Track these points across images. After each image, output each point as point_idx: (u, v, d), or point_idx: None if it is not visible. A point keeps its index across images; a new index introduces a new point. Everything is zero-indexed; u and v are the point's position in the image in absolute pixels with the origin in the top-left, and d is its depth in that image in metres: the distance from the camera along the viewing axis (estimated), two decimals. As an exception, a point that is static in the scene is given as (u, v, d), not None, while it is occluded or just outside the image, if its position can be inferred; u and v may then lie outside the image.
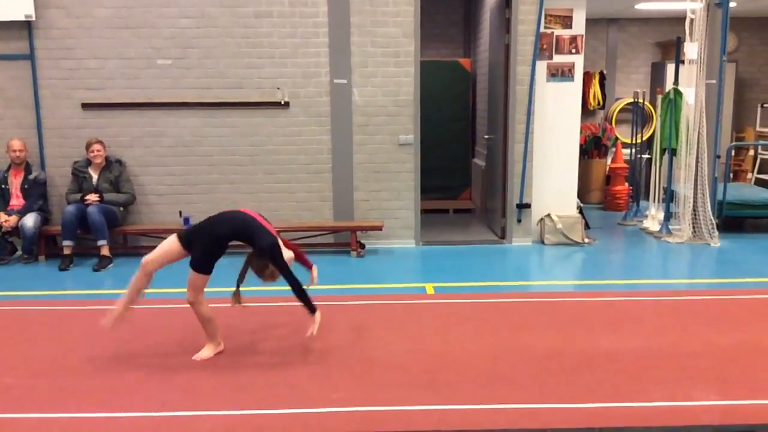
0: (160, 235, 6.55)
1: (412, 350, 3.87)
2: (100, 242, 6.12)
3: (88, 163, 6.38)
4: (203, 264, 3.74)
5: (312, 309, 3.70)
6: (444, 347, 3.93)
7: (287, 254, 3.80)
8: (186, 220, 6.45)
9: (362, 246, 6.62)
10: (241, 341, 4.07)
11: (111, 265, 6.14)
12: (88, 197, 6.23)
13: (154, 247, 6.50)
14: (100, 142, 6.36)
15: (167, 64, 6.50)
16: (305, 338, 3.70)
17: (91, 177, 6.37)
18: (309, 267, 4.11)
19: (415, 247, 6.86)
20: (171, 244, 3.78)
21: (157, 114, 6.57)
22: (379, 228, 6.58)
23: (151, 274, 3.84)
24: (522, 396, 3.26)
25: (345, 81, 6.55)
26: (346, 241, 6.60)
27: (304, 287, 3.67)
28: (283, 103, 6.55)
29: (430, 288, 5.39)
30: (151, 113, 6.57)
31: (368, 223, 6.67)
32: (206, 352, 3.85)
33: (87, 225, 6.14)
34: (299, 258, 4.06)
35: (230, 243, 3.77)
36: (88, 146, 6.31)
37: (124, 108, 6.54)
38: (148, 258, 3.82)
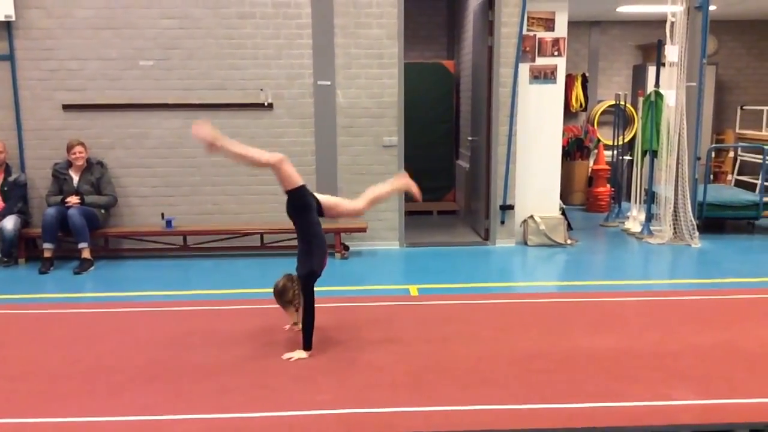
0: (143, 237, 6.53)
1: (396, 352, 3.87)
2: (81, 245, 6.06)
3: (69, 164, 6.32)
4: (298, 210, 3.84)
5: (308, 345, 3.75)
6: (427, 348, 3.93)
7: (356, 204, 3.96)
8: (168, 222, 6.42)
9: (346, 248, 6.62)
10: (224, 344, 4.05)
11: (92, 268, 6.09)
12: (68, 199, 6.18)
13: (136, 250, 6.53)
14: (82, 144, 6.31)
15: (149, 65, 6.46)
16: (286, 352, 3.69)
17: (71, 179, 6.31)
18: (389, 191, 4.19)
19: (400, 249, 6.87)
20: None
21: (139, 115, 6.53)
22: (364, 230, 6.58)
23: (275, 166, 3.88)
24: (505, 396, 3.27)
25: (329, 83, 6.55)
26: (330, 242, 6.57)
27: None
28: (266, 104, 6.54)
29: (414, 289, 5.40)
30: (134, 114, 6.53)
31: (352, 224, 6.66)
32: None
33: (68, 227, 6.08)
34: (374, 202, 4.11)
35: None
36: (69, 148, 6.25)
37: (106, 109, 6.49)
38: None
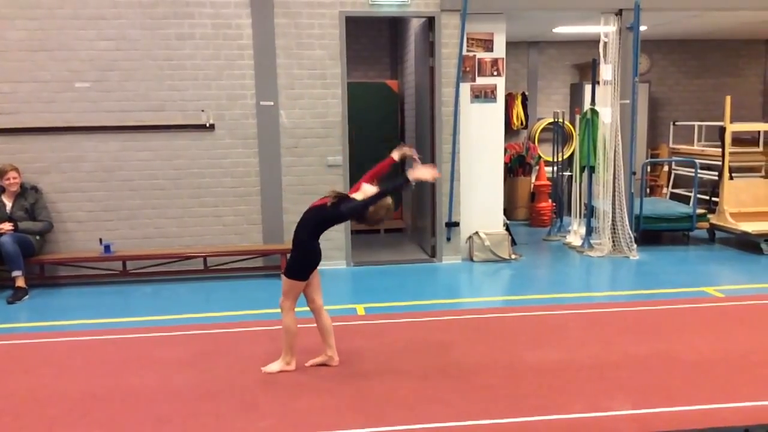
0: (80, 264, 6.33)
1: (341, 373, 3.85)
2: (15, 273, 5.83)
3: (2, 190, 6.09)
4: (296, 270, 3.78)
5: (402, 184, 3.82)
6: (373, 368, 3.92)
7: (368, 190, 3.80)
8: (107, 248, 6.24)
9: (292, 269, 6.55)
10: (164, 371, 3.94)
11: (26, 297, 5.85)
12: (0, 226, 5.94)
13: (73, 277, 6.32)
14: (16, 169, 6.09)
15: (85, 87, 6.31)
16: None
17: (4, 205, 6.07)
18: (391, 162, 4.11)
19: (347, 268, 6.85)
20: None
21: (75, 138, 6.35)
22: (309, 250, 6.53)
23: (317, 308, 3.94)
24: (450, 414, 3.28)
25: (272, 103, 6.52)
26: (276, 264, 6.53)
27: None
28: (207, 125, 6.46)
29: (361, 309, 5.38)
30: (69, 138, 6.35)
31: (298, 245, 6.61)
32: (275, 366, 3.89)
33: (0, 255, 5.84)
34: (379, 173, 4.02)
35: (318, 241, 3.85)
36: (2, 173, 6.02)
37: (41, 133, 6.29)
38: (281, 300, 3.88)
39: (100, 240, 6.34)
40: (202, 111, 6.44)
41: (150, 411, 3.40)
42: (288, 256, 3.89)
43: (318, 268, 3.88)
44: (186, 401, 3.51)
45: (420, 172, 3.74)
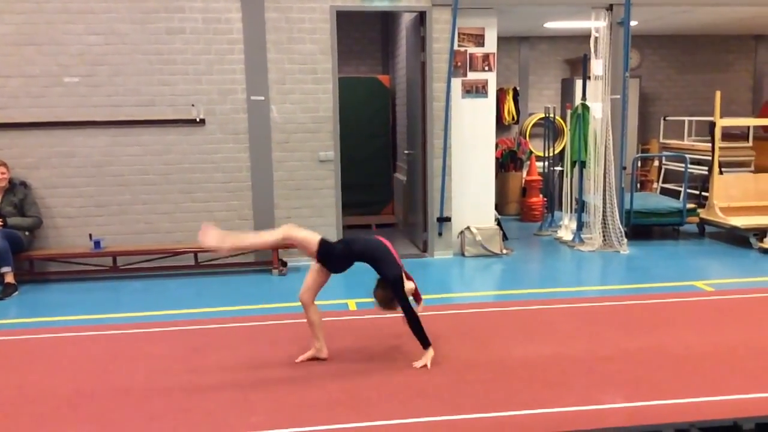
0: (70, 259, 6.30)
1: (332, 368, 3.85)
2: (4, 269, 5.79)
3: (-10, 186, 6.05)
4: (332, 263, 3.88)
5: (426, 343, 3.81)
6: (364, 364, 3.92)
7: (408, 285, 3.89)
8: (97, 243, 6.21)
9: (284, 264, 6.54)
10: (154, 367, 3.93)
11: (16, 293, 5.82)
12: (-11, 222, 5.90)
13: (63, 273, 6.29)
14: (4, 165, 6.05)
15: (75, 82, 6.26)
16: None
17: (-8, 201, 6.04)
18: (419, 300, 4.14)
19: (338, 264, 6.83)
20: (313, 269, 3.92)
21: (64, 133, 6.31)
22: (301, 245, 6.52)
23: (311, 302, 3.93)
24: (441, 408, 3.29)
25: (263, 98, 6.50)
26: (267, 259, 6.51)
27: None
28: (198, 120, 6.43)
29: (352, 304, 5.38)
30: (59, 133, 6.30)
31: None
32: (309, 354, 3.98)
33: (-11, 251, 5.79)
34: (415, 290, 4.07)
35: (358, 262, 3.91)
36: (-10, 169, 5.98)
37: (29, 128, 6.25)
38: (300, 293, 3.94)
39: (90, 236, 6.31)
40: (192, 106, 6.41)
41: (140, 407, 3.39)
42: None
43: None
44: (176, 397, 3.50)
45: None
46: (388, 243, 3.97)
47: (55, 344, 4.44)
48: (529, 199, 9.17)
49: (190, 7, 6.31)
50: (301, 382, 3.66)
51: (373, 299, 3.91)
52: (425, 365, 3.78)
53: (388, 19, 9.31)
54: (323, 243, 3.89)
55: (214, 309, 5.25)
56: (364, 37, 9.52)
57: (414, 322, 3.77)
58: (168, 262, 6.45)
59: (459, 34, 6.82)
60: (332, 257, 3.88)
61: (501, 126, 9.71)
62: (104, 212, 6.45)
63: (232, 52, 6.41)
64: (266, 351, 4.17)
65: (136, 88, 6.34)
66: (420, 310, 4.03)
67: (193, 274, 6.46)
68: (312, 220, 6.75)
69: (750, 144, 9.32)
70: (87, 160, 6.37)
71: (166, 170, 6.48)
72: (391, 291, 3.77)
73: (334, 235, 6.83)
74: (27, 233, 6.11)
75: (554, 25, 8.89)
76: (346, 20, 8.26)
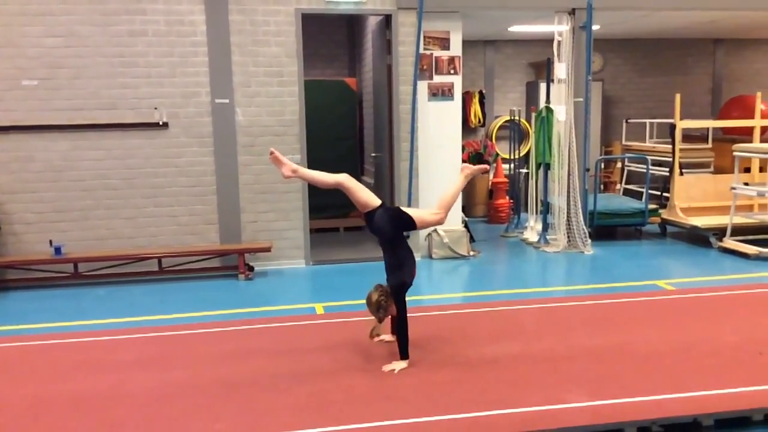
0: (29, 266, 6.15)
1: (299, 373, 3.82)
2: (-40, 277, 5.64)
3: (-56, 191, 5.88)
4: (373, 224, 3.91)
5: (404, 355, 3.82)
6: (331, 367, 3.90)
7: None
8: (57, 250, 6.08)
9: (251, 268, 6.49)
10: (119, 376, 3.85)
11: (-27, 301, 5.67)
12: (-56, 229, 5.74)
13: (23, 280, 6.14)
14: (-42, 169, 5.90)
15: (33, 85, 6.13)
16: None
17: (-53, 207, 5.87)
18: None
19: (306, 267, 6.81)
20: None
21: (23, 138, 6.17)
22: (268, 249, 6.48)
23: (342, 184, 3.87)
24: (407, 411, 3.29)
25: (227, 101, 6.44)
26: (234, 264, 6.45)
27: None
28: (161, 123, 6.34)
29: (319, 308, 5.36)
30: (17, 137, 6.16)
31: (256, 244, 6.56)
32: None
33: (-57, 259, 5.63)
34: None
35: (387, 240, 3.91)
36: (-57, 174, 5.82)
37: (-15, 132, 6.10)
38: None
39: (51, 242, 6.17)
40: (155, 109, 6.32)
41: (102, 416, 3.32)
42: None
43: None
44: (139, 405, 3.44)
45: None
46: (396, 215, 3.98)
47: (15, 353, 4.33)
48: (495, 201, 9.25)
49: (152, 9, 6.22)
50: (268, 387, 3.63)
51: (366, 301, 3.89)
52: (393, 370, 3.78)
53: (354, 22, 9.31)
54: (383, 207, 3.91)
55: (178, 315, 5.18)
56: (330, 40, 9.51)
57: (402, 329, 3.81)
58: (131, 268, 6.35)
59: (424, 37, 6.86)
60: (378, 219, 3.86)
61: (467, 128, 9.79)
62: (65, 218, 6.32)
63: (195, 55, 6.34)
64: (232, 357, 4.12)
65: (97, 91, 6.23)
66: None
67: (157, 280, 6.36)
68: (279, 224, 6.72)
69: (709, 145, 9.54)
70: (47, 165, 6.24)
71: (128, 175, 6.38)
72: (393, 295, 3.80)
73: (301, 239, 6.81)
74: (-16, 240, 5.97)
75: (518, 29, 8.99)
76: (312, 23, 8.23)
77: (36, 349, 4.40)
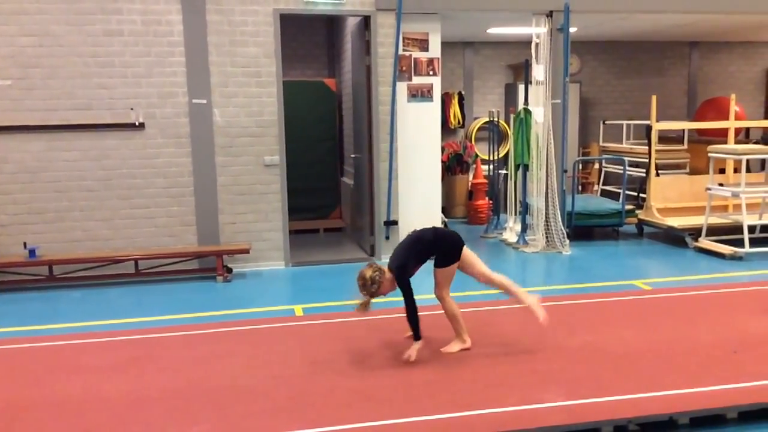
0: (3, 269, 6.05)
1: (277, 375, 3.80)
2: (-70, 281, 5.53)
3: None
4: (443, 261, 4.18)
5: (418, 335, 3.92)
6: (310, 369, 3.89)
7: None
8: (32, 252, 5.99)
9: (229, 270, 6.44)
10: (94, 380, 3.80)
11: (-56, 305, 5.56)
12: None
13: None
14: (-71, 170, 5.78)
15: (7, 85, 6.03)
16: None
17: None
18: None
19: (285, 269, 6.78)
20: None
21: (-5, 138, 6.07)
22: (246, 251, 6.44)
23: (445, 297, 4.18)
24: (387, 412, 3.29)
25: (205, 101, 6.39)
26: (212, 266, 6.40)
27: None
28: (137, 124, 6.27)
29: (299, 309, 5.33)
30: (-11, 137, 6.06)
31: (234, 246, 6.51)
32: (453, 347, 4.12)
33: None
34: None
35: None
36: None
37: (-43, 132, 5.99)
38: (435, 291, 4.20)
39: (25, 244, 6.08)
40: (132, 109, 6.25)
41: (77, 421, 3.27)
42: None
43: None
44: (115, 409, 3.39)
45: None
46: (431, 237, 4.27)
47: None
48: (475, 201, 9.28)
49: (128, 9, 6.16)
50: (246, 390, 3.60)
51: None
52: (409, 356, 3.88)
53: (333, 23, 9.28)
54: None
55: (155, 318, 5.13)
56: (309, 41, 9.48)
57: (411, 312, 3.90)
58: (107, 270, 6.27)
59: (404, 38, 6.86)
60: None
61: (447, 130, 9.81)
62: (39, 220, 6.22)
63: (172, 55, 6.29)
64: (210, 360, 4.08)
65: (72, 91, 6.15)
66: None
67: (134, 282, 6.29)
68: (258, 225, 6.69)
69: (685, 147, 9.67)
70: (20, 166, 6.14)
71: (104, 176, 6.30)
72: (397, 278, 3.90)
73: (280, 240, 6.77)
74: (-44, 242, 5.86)
75: (497, 30, 9.03)
76: (291, 23, 8.21)
77: (10, 353, 4.32)
